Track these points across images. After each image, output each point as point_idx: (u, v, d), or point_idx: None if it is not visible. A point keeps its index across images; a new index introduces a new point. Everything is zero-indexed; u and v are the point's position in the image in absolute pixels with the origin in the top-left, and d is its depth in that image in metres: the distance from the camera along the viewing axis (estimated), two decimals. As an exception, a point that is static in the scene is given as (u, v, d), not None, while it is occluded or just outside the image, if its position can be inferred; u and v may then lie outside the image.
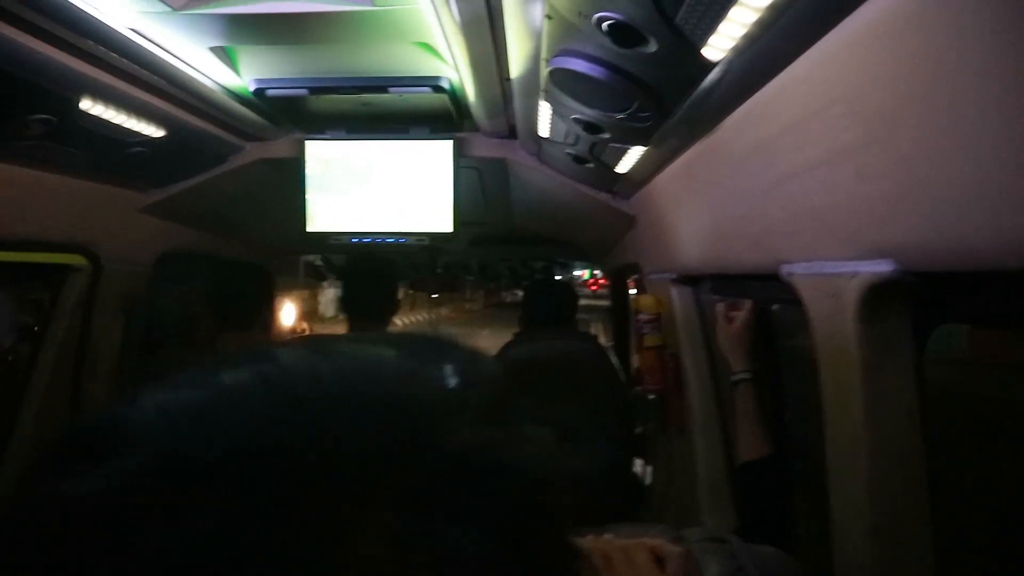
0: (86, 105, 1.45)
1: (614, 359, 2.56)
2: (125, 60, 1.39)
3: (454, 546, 0.27)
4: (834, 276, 0.92)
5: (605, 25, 0.91)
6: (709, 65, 0.93)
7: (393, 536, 0.26)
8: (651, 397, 2.14)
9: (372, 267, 2.29)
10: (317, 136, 2.15)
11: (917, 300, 0.87)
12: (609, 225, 2.35)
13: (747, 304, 1.51)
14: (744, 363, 1.46)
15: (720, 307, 1.56)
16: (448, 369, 0.32)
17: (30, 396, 1.95)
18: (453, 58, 1.46)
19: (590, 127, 1.38)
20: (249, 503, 0.25)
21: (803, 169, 0.91)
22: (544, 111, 1.48)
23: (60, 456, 0.29)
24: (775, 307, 1.61)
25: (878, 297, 0.85)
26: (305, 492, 0.26)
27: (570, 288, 2.86)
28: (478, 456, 0.29)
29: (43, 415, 1.94)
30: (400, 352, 0.34)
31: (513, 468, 0.30)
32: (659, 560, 0.68)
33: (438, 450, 0.29)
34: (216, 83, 1.61)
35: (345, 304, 2.29)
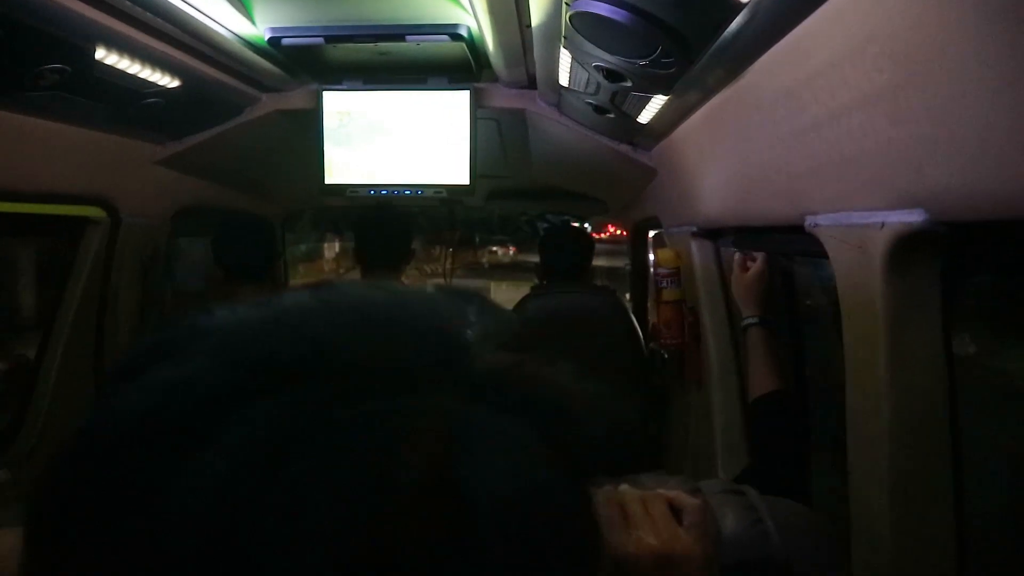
0: (100, 55, 1.43)
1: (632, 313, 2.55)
2: (139, 8, 1.37)
3: (504, 430, 0.30)
4: (861, 227, 0.90)
5: (629, -35, 0.87)
6: (737, 6, 0.90)
7: (451, 417, 0.29)
8: (668, 352, 2.14)
9: (386, 216, 2.27)
10: (334, 87, 2.12)
11: (947, 252, 0.85)
12: (629, 178, 2.32)
13: (762, 255, 1.57)
14: (752, 309, 1.55)
15: (737, 256, 1.62)
16: (477, 311, 0.36)
17: (52, 350, 1.98)
18: (472, 4, 1.42)
19: (611, 75, 1.35)
20: (322, 391, 0.28)
21: (833, 115, 0.88)
22: (565, 59, 1.44)
23: (142, 358, 0.31)
24: (796, 263, 1.62)
25: (907, 249, 0.83)
26: (370, 383, 0.29)
27: (587, 236, 2.82)
28: (511, 370, 0.32)
29: (65, 369, 1.97)
30: (438, 293, 0.38)
31: (543, 380, 0.33)
32: (676, 511, 0.68)
33: (472, 364, 0.32)
34: (231, 32, 1.59)
35: (359, 253, 2.28)
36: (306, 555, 0.25)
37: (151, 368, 0.30)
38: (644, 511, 0.66)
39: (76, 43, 1.37)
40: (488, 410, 0.30)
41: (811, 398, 1.62)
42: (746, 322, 1.56)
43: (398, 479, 0.26)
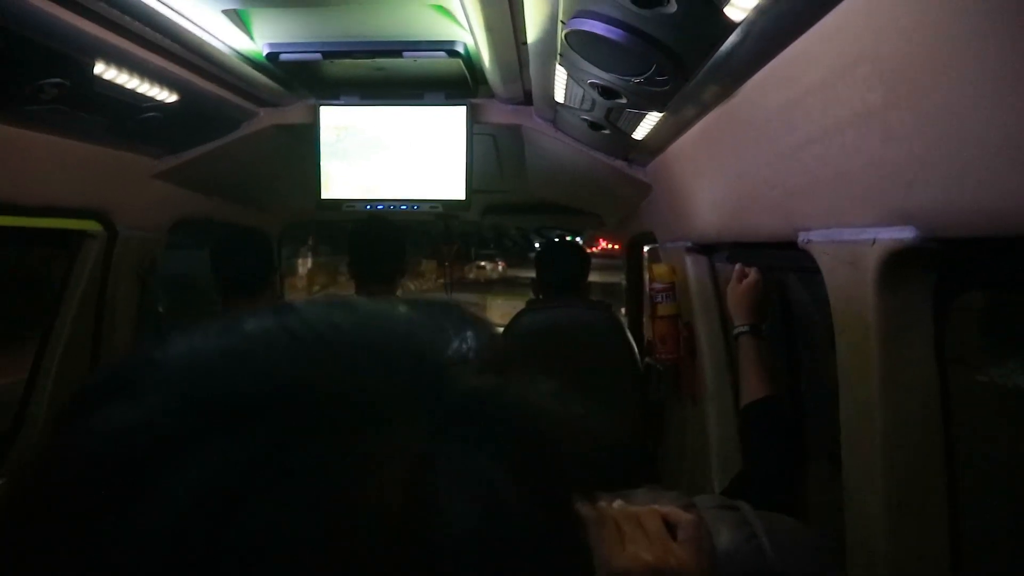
0: (99, 69, 1.44)
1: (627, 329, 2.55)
2: (138, 23, 1.38)
3: (472, 469, 0.28)
4: (853, 243, 0.90)
5: (624, -16, 0.89)
6: (731, 25, 0.91)
7: (416, 458, 0.27)
8: (664, 366, 2.15)
9: (379, 229, 2.27)
10: (331, 101, 2.13)
11: (939, 268, 0.86)
12: (624, 193, 2.33)
13: (755, 269, 1.59)
14: (744, 318, 1.57)
15: (737, 267, 1.63)
16: (455, 326, 0.34)
17: (47, 364, 1.97)
18: (468, 21, 1.43)
19: (607, 92, 1.36)
20: (280, 431, 0.27)
21: (825, 132, 0.89)
22: (560, 76, 1.45)
23: (94, 393, 0.30)
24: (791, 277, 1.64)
25: (899, 265, 0.84)
26: (333, 421, 0.27)
27: (583, 250, 2.82)
28: (490, 396, 0.31)
29: (60, 383, 1.96)
30: (412, 309, 0.36)
31: (524, 406, 0.31)
32: (671, 527, 0.68)
33: (452, 390, 0.30)
34: (229, 47, 1.60)
35: (353, 267, 2.27)
36: None
37: (102, 405, 0.29)
38: (639, 527, 0.66)
39: (75, 57, 1.37)
40: (461, 444, 0.28)
41: (807, 407, 1.63)
42: (737, 330, 1.58)
43: (359, 523, 0.25)
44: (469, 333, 0.34)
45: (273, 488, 0.25)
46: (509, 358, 0.34)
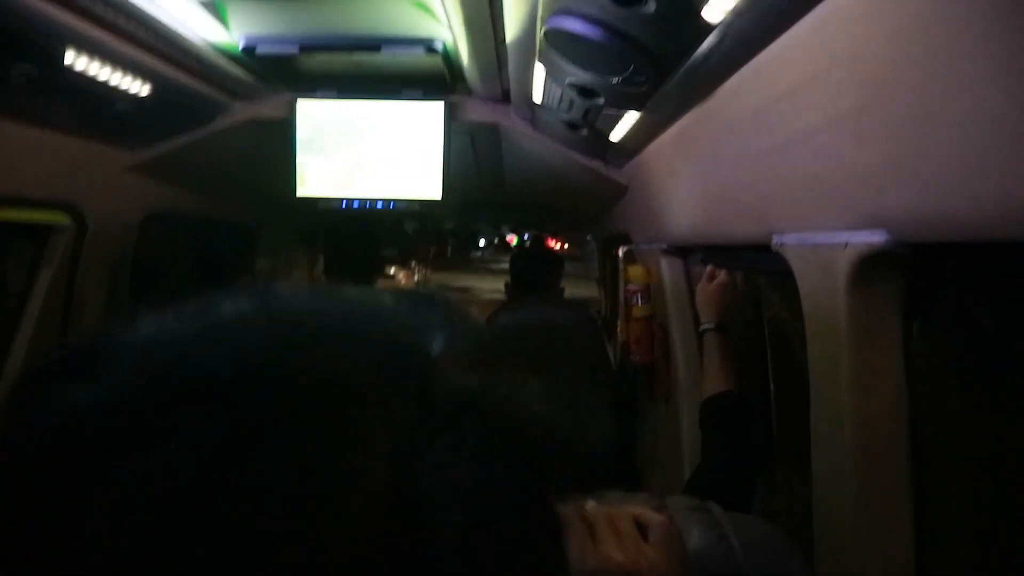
0: (70, 58, 1.41)
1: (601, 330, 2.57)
2: (111, 11, 1.35)
3: (462, 465, 0.27)
4: (826, 246, 0.91)
5: (603, -16, 0.89)
6: (708, 27, 0.91)
7: (403, 450, 0.26)
8: (638, 368, 2.15)
9: (355, 229, 2.28)
10: (308, 95, 2.11)
11: (909, 272, 0.87)
12: (601, 194, 2.33)
13: (724, 271, 1.60)
14: (710, 317, 1.58)
15: (709, 268, 1.64)
16: (441, 320, 0.33)
17: (14, 358, 1.92)
18: (448, 18, 1.43)
19: (585, 92, 1.36)
20: (256, 413, 0.25)
21: (800, 136, 0.90)
22: (539, 75, 1.45)
23: (51, 372, 0.28)
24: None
25: (870, 268, 0.85)
26: (312, 405, 0.26)
27: (555, 254, 2.89)
28: (479, 395, 0.30)
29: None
30: (398, 301, 0.34)
31: (512, 406, 0.30)
32: (642, 527, 0.68)
33: (440, 386, 0.29)
34: (204, 39, 1.58)
35: (328, 265, 2.28)
36: None
37: (59, 384, 0.27)
38: (610, 527, 0.66)
39: (45, 44, 1.34)
40: (449, 442, 0.27)
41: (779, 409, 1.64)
42: (703, 327, 1.59)
43: (340, 515, 0.24)
44: (457, 328, 0.32)
45: (248, 472, 0.24)
46: (496, 355, 0.33)
